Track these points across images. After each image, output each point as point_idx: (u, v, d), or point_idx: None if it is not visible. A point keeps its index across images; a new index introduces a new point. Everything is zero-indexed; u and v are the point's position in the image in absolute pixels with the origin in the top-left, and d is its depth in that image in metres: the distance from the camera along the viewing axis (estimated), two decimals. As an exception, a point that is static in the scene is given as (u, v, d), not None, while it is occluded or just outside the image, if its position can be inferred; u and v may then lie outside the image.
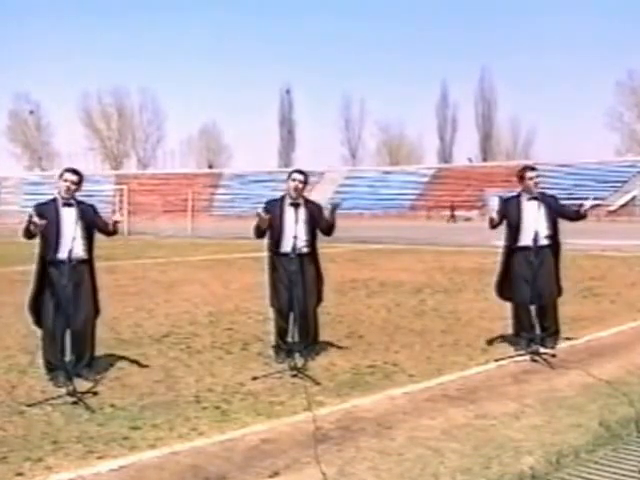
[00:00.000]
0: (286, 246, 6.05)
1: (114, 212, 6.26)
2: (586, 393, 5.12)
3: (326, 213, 6.30)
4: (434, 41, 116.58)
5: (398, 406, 4.87)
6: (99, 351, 5.93)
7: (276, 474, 3.66)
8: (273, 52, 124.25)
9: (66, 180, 5.52)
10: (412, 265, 15.67)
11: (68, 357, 5.52)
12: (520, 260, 6.56)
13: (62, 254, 5.32)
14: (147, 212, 57.00)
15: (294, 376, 5.56)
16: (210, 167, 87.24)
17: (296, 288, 5.97)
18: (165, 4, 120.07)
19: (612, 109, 76.74)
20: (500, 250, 6.88)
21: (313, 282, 6.25)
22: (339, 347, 6.79)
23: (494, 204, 6.84)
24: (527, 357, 6.12)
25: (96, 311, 5.68)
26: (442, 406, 4.85)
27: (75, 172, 5.59)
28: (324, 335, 6.72)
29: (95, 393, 5.14)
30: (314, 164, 73.41)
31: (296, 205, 6.19)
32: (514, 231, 6.59)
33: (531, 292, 6.44)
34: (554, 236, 6.59)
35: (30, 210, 5.54)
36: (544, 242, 6.48)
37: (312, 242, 6.26)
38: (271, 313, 6.48)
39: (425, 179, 72.94)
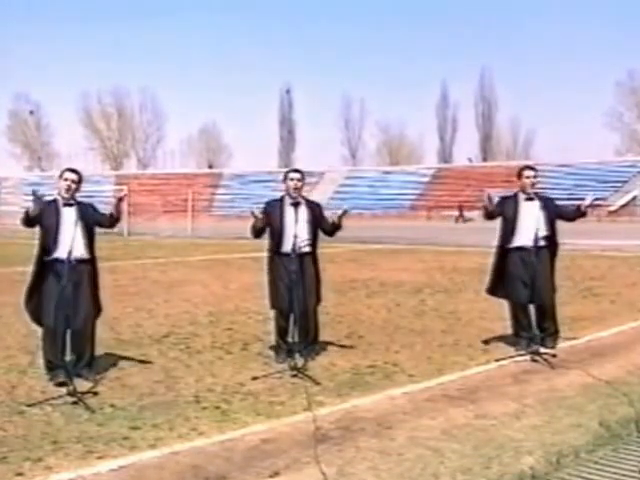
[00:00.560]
0: (287, 246, 6.06)
1: (119, 193, 6.25)
2: (586, 393, 5.12)
3: (335, 217, 6.33)
4: (434, 41, 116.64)
5: (398, 406, 4.87)
6: (99, 351, 5.93)
7: (276, 474, 3.66)
8: (273, 53, 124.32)
9: (66, 179, 5.53)
10: (412, 265, 15.67)
11: (68, 357, 5.52)
12: (516, 260, 6.55)
13: (62, 254, 5.32)
14: (147, 212, 56.99)
15: (294, 376, 5.56)
16: (210, 167, 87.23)
17: (296, 288, 5.98)
18: (165, 4, 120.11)
19: (612, 109, 76.78)
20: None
21: (313, 282, 6.25)
22: (340, 346, 6.80)
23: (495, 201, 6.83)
24: (527, 357, 6.12)
25: (98, 310, 5.69)
26: (442, 406, 4.85)
27: (75, 171, 5.61)
28: (324, 335, 6.71)
29: (95, 393, 5.14)
30: (314, 164, 73.44)
31: (296, 204, 6.19)
32: (509, 230, 6.59)
33: (529, 292, 6.44)
34: (552, 237, 6.60)
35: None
36: (542, 243, 6.48)
37: (313, 242, 6.26)
38: (271, 313, 6.47)
39: (425, 179, 72.90)
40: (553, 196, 7.15)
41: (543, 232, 6.47)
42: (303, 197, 6.31)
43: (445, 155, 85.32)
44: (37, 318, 5.58)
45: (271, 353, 6.40)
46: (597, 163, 64.77)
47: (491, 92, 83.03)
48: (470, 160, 79.72)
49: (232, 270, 14.78)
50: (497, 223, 6.81)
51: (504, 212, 6.65)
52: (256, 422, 4.52)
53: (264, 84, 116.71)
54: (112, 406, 4.86)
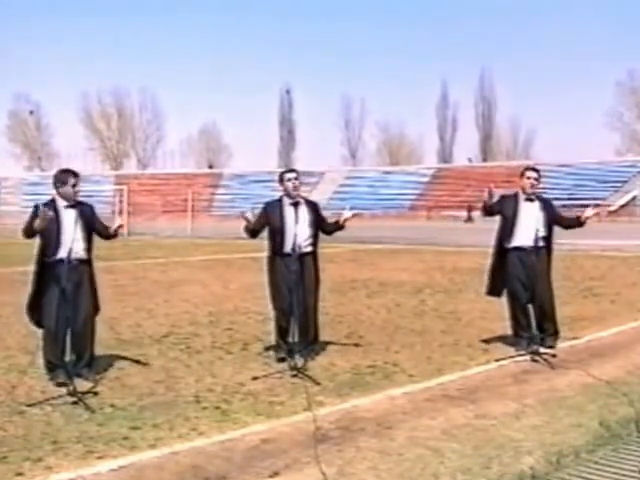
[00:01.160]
0: (287, 246, 6.06)
1: (117, 214, 6.28)
2: (586, 393, 5.12)
3: (340, 218, 6.39)
4: (434, 41, 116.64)
5: (398, 406, 4.87)
6: (99, 351, 5.93)
7: (276, 474, 3.66)
8: (273, 52, 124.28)
9: (74, 185, 5.55)
10: (412, 265, 15.67)
11: (68, 357, 5.52)
12: (514, 261, 6.56)
13: (62, 254, 5.32)
14: (147, 212, 57.01)
15: (294, 376, 5.56)
16: (210, 167, 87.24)
17: (297, 288, 5.98)
18: (165, 4, 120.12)
19: (612, 109, 76.80)
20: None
21: (313, 282, 6.26)
22: (342, 345, 6.80)
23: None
24: (527, 357, 6.13)
25: (96, 309, 5.70)
26: (442, 406, 4.85)
27: (77, 174, 5.62)
28: (324, 335, 6.72)
29: (95, 393, 5.14)
30: (314, 164, 73.54)
31: (296, 204, 6.20)
32: (508, 230, 6.59)
33: (528, 293, 6.45)
34: (548, 238, 6.60)
35: (30, 210, 5.54)
36: (541, 243, 6.49)
37: (314, 241, 6.27)
38: (271, 313, 6.47)
39: (425, 179, 72.92)
40: (553, 196, 7.18)
41: (542, 233, 6.48)
42: (302, 197, 6.32)
43: (445, 155, 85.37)
44: (38, 322, 5.59)
45: (271, 353, 6.40)
46: (597, 163, 64.79)
47: (491, 92, 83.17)
48: (470, 160, 79.75)
49: (232, 270, 14.78)
50: (496, 223, 6.82)
51: (503, 211, 6.65)
52: (256, 422, 4.52)
53: (264, 84, 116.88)
54: (112, 406, 4.86)
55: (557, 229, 6.74)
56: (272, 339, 6.47)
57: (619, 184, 61.50)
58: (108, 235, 5.80)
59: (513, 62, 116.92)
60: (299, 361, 5.84)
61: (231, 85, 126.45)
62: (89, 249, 5.61)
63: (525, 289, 6.49)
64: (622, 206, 58.71)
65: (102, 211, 5.97)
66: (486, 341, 6.97)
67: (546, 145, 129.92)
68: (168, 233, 32.01)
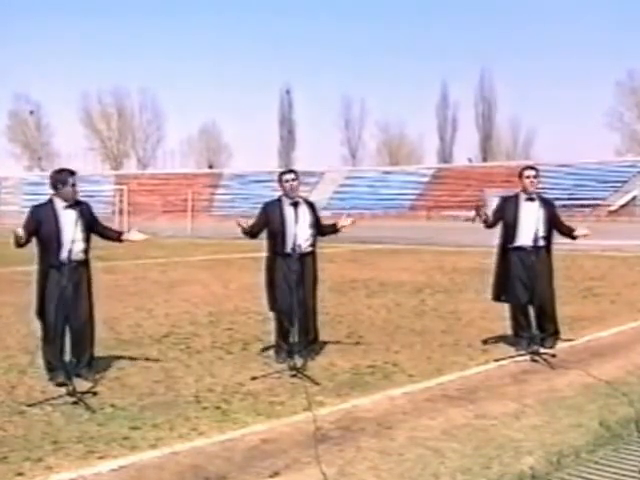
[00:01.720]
0: (288, 246, 6.06)
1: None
2: (586, 393, 5.12)
3: (338, 223, 6.45)
4: (434, 41, 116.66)
5: (398, 406, 4.87)
6: (99, 351, 5.92)
7: (276, 474, 3.66)
8: (273, 52, 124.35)
9: (74, 185, 5.50)
10: (412, 265, 15.67)
11: (68, 357, 5.52)
12: (515, 261, 6.56)
13: (62, 255, 5.30)
14: (147, 212, 57.03)
15: (294, 376, 5.56)
16: (210, 167, 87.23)
17: (297, 288, 5.98)
18: (165, 4, 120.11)
19: (612, 109, 76.83)
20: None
21: (313, 282, 6.26)
22: (340, 346, 6.80)
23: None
24: (527, 357, 6.12)
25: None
26: (442, 406, 4.85)
27: (74, 173, 5.60)
28: (324, 335, 6.71)
29: (95, 393, 5.14)
30: (314, 164, 73.54)
31: (295, 204, 6.20)
32: (510, 230, 6.59)
33: (528, 293, 6.45)
34: (548, 237, 6.60)
35: (28, 211, 5.53)
36: (541, 243, 6.48)
37: (313, 242, 6.27)
38: (271, 313, 6.47)
39: (425, 179, 72.95)
40: (553, 196, 7.19)
41: (542, 232, 6.47)
42: (300, 197, 6.32)
43: (445, 155, 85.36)
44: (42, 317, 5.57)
45: (271, 353, 6.40)
46: (597, 163, 64.79)
47: (491, 92, 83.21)
48: (470, 160, 79.75)
49: (232, 270, 14.78)
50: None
51: (504, 215, 6.66)
52: (256, 422, 4.52)
53: (264, 84, 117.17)
54: (112, 406, 4.86)
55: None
56: (272, 339, 6.46)
57: (619, 184, 61.51)
58: (112, 238, 5.80)
59: (513, 62, 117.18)
60: (299, 361, 5.84)
61: (231, 85, 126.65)
62: (87, 250, 5.60)
63: (525, 289, 6.48)
64: (622, 206, 58.74)
65: (102, 211, 5.96)
66: (486, 341, 6.97)
67: (546, 145, 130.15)
68: (168, 233, 31.99)
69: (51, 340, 5.45)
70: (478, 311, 8.79)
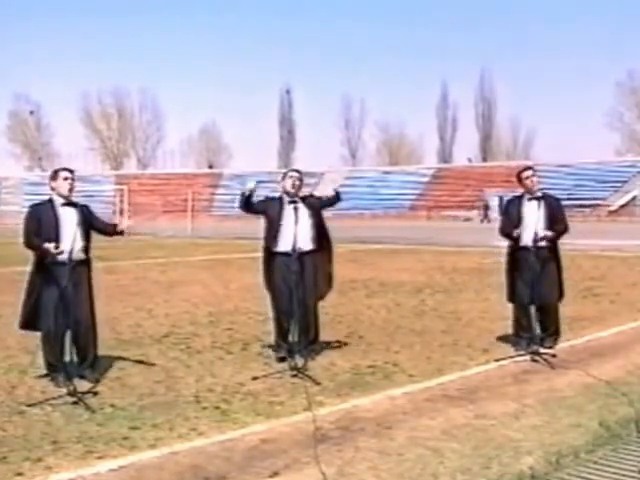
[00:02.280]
0: (286, 246, 6.06)
1: (118, 214, 6.31)
2: (586, 393, 5.13)
3: (323, 196, 6.59)
4: (434, 41, 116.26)
5: (398, 406, 4.87)
6: (99, 351, 5.92)
7: (276, 474, 3.66)
8: (273, 52, 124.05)
9: (66, 179, 5.51)
10: (412, 265, 15.67)
11: (68, 357, 5.51)
12: (519, 261, 6.56)
13: (62, 255, 5.29)
14: (147, 212, 57.01)
15: (294, 376, 5.57)
16: (210, 167, 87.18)
17: (297, 288, 5.98)
18: (165, 4, 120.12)
19: (612, 109, 76.65)
20: (502, 250, 6.87)
21: (313, 281, 6.26)
22: (340, 345, 6.80)
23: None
24: (527, 357, 6.13)
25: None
26: (442, 406, 4.85)
27: (71, 170, 5.61)
28: (324, 335, 6.71)
29: (95, 393, 5.14)
30: (314, 164, 73.40)
31: (295, 203, 6.19)
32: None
33: (531, 293, 6.44)
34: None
35: (27, 210, 5.52)
36: (542, 243, 6.47)
37: (313, 241, 6.27)
38: (271, 313, 6.48)
39: (425, 179, 72.88)
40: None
41: (542, 232, 6.45)
42: (300, 197, 6.33)
43: (445, 155, 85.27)
44: (31, 324, 5.53)
45: (271, 353, 6.40)
46: (597, 163, 64.72)
47: (491, 92, 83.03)
48: (470, 160, 79.68)
49: (232, 270, 14.78)
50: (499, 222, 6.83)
51: (509, 215, 6.66)
52: (256, 422, 4.52)
53: (264, 84, 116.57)
54: (112, 406, 4.87)
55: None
56: (272, 339, 6.47)
57: (619, 184, 61.44)
58: (110, 232, 5.80)
59: (513, 62, 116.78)
60: (299, 361, 5.84)
61: (231, 85, 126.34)
62: (88, 249, 5.60)
63: (527, 289, 6.47)
64: (622, 206, 58.69)
65: (102, 211, 5.97)
66: (486, 341, 6.97)
67: (546, 145, 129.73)
68: (168, 233, 32.01)
69: (51, 341, 5.44)
70: (478, 311, 8.79)
